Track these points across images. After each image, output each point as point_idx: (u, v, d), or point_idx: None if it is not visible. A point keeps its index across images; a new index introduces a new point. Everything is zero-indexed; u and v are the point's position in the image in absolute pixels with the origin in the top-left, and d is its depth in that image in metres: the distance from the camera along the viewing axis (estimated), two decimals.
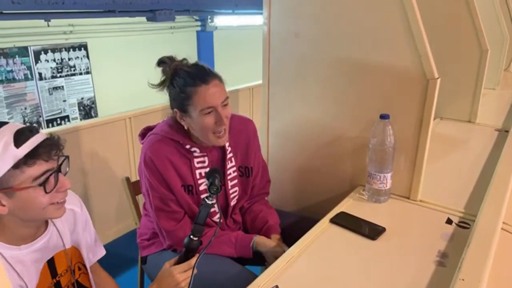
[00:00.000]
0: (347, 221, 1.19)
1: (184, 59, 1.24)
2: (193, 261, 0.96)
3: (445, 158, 1.70)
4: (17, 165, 0.81)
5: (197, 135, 1.23)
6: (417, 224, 1.25)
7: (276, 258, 1.07)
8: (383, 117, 1.24)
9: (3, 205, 0.83)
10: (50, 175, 0.86)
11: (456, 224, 1.18)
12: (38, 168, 0.83)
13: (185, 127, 1.22)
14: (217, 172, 1.01)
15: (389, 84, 1.29)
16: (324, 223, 1.20)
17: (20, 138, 0.81)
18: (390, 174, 1.28)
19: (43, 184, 0.84)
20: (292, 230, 1.32)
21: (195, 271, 0.95)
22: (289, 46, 1.47)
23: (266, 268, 1.03)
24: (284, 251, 1.09)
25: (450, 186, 1.47)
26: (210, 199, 0.96)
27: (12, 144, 0.80)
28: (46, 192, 0.85)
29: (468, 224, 1.17)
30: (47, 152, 0.85)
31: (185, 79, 1.18)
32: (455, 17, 1.95)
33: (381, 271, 1.01)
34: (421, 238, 1.15)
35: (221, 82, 1.21)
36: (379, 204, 1.32)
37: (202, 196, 1.26)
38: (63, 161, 0.90)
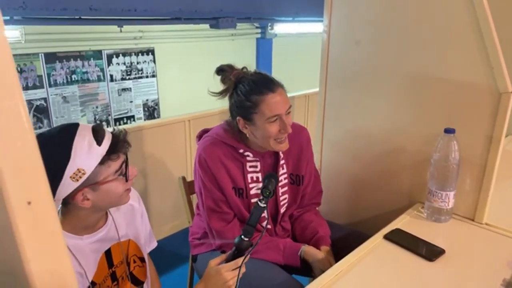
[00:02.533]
0: (402, 239, 1.14)
1: (244, 67, 1.25)
2: (240, 260, 0.97)
3: None
4: (103, 161, 0.87)
5: (257, 142, 1.23)
6: (480, 249, 1.15)
7: (323, 271, 1.04)
8: (448, 131, 1.17)
9: (88, 199, 0.90)
10: (126, 165, 0.94)
11: None
12: (119, 161, 0.91)
13: (247, 135, 1.23)
14: (273, 177, 1.03)
15: (456, 97, 1.21)
16: (377, 239, 1.15)
17: (98, 136, 0.88)
18: (453, 192, 1.20)
19: (125, 174, 0.93)
20: (343, 244, 1.28)
21: (244, 269, 0.96)
22: (349, 54, 1.44)
23: (313, 279, 1.01)
24: (331, 266, 1.06)
25: None
26: (263, 202, 0.97)
27: (95, 142, 0.87)
28: (126, 181, 0.94)
29: None
30: (123, 146, 0.93)
31: (251, 87, 1.18)
32: None
33: None
34: (485, 263, 1.06)
35: (284, 90, 1.21)
36: (439, 224, 1.24)
37: (252, 200, 1.28)
38: (127, 152, 0.97)
